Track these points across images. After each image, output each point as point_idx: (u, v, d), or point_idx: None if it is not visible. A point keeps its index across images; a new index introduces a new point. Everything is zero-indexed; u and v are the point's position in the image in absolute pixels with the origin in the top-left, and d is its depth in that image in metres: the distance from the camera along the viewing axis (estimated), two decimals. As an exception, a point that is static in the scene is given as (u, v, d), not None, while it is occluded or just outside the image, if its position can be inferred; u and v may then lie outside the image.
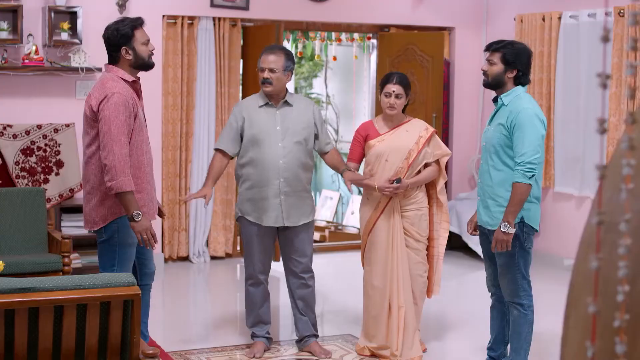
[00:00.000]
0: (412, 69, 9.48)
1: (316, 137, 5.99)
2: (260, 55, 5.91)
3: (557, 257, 9.10)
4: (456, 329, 7.03)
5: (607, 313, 1.79)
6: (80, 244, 7.90)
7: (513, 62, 5.26)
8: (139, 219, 5.10)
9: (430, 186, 6.08)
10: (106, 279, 3.75)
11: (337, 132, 14.12)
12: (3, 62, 7.83)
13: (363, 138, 5.96)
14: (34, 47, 7.90)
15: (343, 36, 9.99)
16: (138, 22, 5.43)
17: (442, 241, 6.18)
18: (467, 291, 8.48)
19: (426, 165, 5.97)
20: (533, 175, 5.13)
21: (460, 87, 9.97)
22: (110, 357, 3.82)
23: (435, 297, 7.98)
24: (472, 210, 9.25)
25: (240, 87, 9.21)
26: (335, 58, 10.71)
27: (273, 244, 6.12)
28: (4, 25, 7.80)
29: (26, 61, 7.90)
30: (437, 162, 6.04)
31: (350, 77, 13.89)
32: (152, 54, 5.39)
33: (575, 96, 8.72)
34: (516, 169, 5.12)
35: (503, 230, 5.12)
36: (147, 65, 5.38)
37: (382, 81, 5.94)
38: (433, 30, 9.79)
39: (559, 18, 8.84)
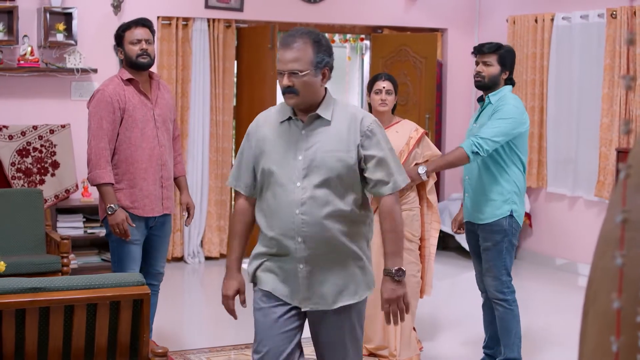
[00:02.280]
0: (405, 70, 9.52)
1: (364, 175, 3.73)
2: (278, 49, 3.71)
3: (549, 257, 9.16)
4: (450, 329, 7.07)
5: (628, 308, 1.82)
6: (75, 245, 7.90)
7: (507, 64, 5.42)
8: (112, 212, 5.26)
9: (420, 186, 5.94)
10: (116, 279, 3.79)
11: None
12: (-2, 63, 7.84)
13: None
14: (29, 48, 7.91)
15: (336, 37, 10.02)
16: (131, 23, 5.52)
17: (433, 241, 6.05)
18: (460, 291, 8.53)
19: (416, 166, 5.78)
20: (477, 152, 5.24)
21: (453, 88, 10.02)
22: (119, 356, 3.85)
23: (428, 297, 8.03)
24: (465, 210, 9.33)
25: (235, 89, 9.24)
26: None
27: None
28: (0, 26, 7.81)
29: (22, 62, 7.90)
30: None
31: (341, 78, 13.91)
32: (142, 53, 5.40)
33: (568, 97, 8.78)
34: (469, 139, 5.27)
35: (420, 172, 5.48)
36: (136, 65, 5.44)
37: (371, 81, 5.83)
38: (426, 32, 9.84)
39: (552, 19, 8.90)
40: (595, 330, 2.02)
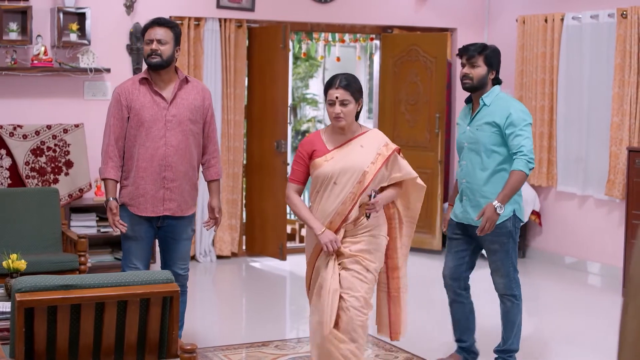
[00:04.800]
0: (416, 69, 9.56)
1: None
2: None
3: (558, 256, 9.20)
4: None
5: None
6: (88, 244, 7.92)
7: (493, 64, 5.44)
8: (106, 205, 5.50)
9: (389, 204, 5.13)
10: (145, 276, 3.83)
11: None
12: (12, 62, 7.87)
13: (308, 155, 4.93)
14: (42, 48, 7.95)
15: (347, 37, 10.06)
16: (149, 23, 5.59)
17: (405, 271, 5.25)
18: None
19: (382, 190, 4.98)
20: (533, 167, 5.31)
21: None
22: (148, 353, 3.89)
23: (438, 296, 8.09)
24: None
25: (246, 88, 9.28)
26: (339, 59, 10.77)
27: None
28: (14, 26, 7.85)
29: (35, 62, 7.94)
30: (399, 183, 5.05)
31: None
32: (151, 53, 5.44)
33: (578, 97, 8.82)
34: (519, 158, 5.25)
35: (498, 212, 5.25)
36: (147, 64, 5.53)
37: (325, 86, 4.95)
38: (435, 31, 9.88)
39: (562, 19, 8.94)
40: (635, 325, 2.06)
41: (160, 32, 5.46)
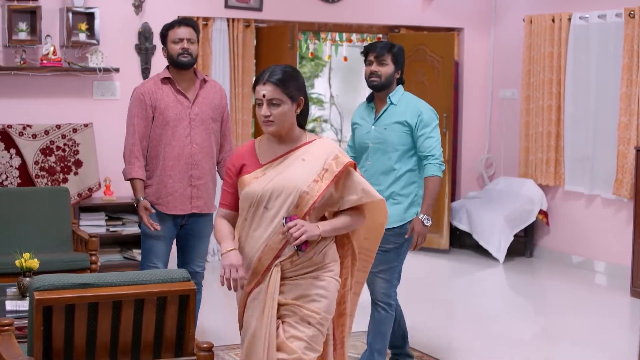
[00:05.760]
0: (423, 69, 9.58)
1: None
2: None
3: (565, 255, 9.21)
4: (467, 327, 7.12)
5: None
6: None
7: (400, 63, 5.33)
8: (136, 204, 5.51)
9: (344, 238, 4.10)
10: (162, 275, 3.85)
11: (340, 132, 14.23)
12: (22, 62, 7.89)
13: (237, 171, 3.94)
14: (52, 48, 7.97)
15: (354, 37, 10.08)
16: (174, 23, 5.63)
17: (352, 321, 4.25)
18: (478, 289, 8.58)
19: (335, 215, 3.98)
20: (444, 168, 5.26)
21: (469, 87, 10.08)
22: (165, 351, 3.91)
23: (445, 296, 8.12)
24: (481, 208, 9.40)
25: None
26: (346, 59, 10.81)
27: None
28: (23, 26, 7.87)
29: (44, 62, 7.96)
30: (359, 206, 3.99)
31: (352, 77, 14.01)
32: (183, 52, 5.49)
33: (586, 96, 8.83)
34: (431, 163, 5.19)
35: (426, 224, 5.17)
36: (177, 63, 5.54)
37: (254, 82, 3.92)
38: (442, 31, 9.90)
39: (569, 19, 8.95)
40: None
41: (187, 32, 5.53)
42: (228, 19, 8.90)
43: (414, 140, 5.26)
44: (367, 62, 5.32)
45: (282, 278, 3.80)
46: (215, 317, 7.06)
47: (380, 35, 9.96)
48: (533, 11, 9.43)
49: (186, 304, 3.88)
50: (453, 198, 9.96)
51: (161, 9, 8.46)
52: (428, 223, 5.17)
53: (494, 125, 10.13)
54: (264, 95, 3.75)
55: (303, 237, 3.67)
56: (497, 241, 9.19)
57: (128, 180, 5.56)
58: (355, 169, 3.91)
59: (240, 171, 3.89)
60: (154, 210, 5.49)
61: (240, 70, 8.97)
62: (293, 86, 3.78)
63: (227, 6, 8.88)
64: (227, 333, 6.64)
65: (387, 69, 5.24)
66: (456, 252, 9.70)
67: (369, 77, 5.29)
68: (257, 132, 9.39)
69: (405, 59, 9.62)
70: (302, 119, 3.90)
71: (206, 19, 8.80)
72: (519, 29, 9.60)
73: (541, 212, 9.31)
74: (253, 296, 3.85)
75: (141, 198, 5.46)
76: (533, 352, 6.49)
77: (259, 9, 9.01)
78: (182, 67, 5.53)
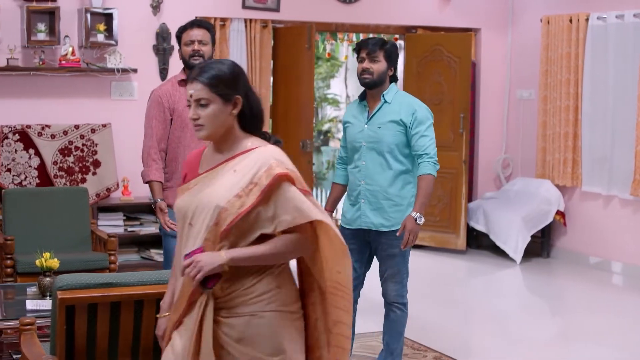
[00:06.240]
0: (440, 69, 9.58)
1: None
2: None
3: (583, 256, 9.20)
4: (484, 327, 7.12)
5: None
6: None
7: (392, 60, 5.23)
8: (153, 207, 5.53)
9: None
10: (184, 275, 3.86)
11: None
12: (40, 63, 7.93)
13: (183, 179, 3.48)
14: (70, 49, 8.01)
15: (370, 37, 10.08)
16: (187, 24, 5.62)
17: None
18: (495, 290, 8.57)
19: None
20: (438, 168, 5.17)
21: (487, 87, 10.07)
22: (186, 350, 3.92)
23: (462, 296, 8.12)
24: (498, 208, 9.39)
25: (271, 88, 9.32)
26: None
27: None
28: (42, 27, 7.91)
29: (63, 62, 8.00)
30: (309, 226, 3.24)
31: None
32: (194, 54, 5.46)
33: (603, 96, 8.81)
34: (425, 162, 5.11)
35: (419, 222, 5.07)
36: (189, 65, 5.52)
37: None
38: (459, 32, 9.89)
39: (587, 19, 8.94)
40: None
41: (200, 33, 5.51)
42: (245, 20, 8.92)
43: (408, 139, 5.19)
44: (359, 59, 5.23)
45: (217, 309, 3.15)
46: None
47: (397, 36, 9.97)
48: (550, 11, 9.42)
49: (207, 304, 3.89)
50: (470, 198, 9.95)
51: (179, 9, 8.48)
52: (421, 221, 5.09)
53: (511, 125, 10.12)
54: (191, 95, 3.23)
55: (199, 276, 3.06)
56: (514, 242, 9.18)
57: (146, 182, 5.56)
58: (293, 182, 3.17)
59: (184, 179, 3.42)
60: (167, 212, 5.46)
61: (258, 71, 8.99)
62: (225, 83, 3.21)
63: (244, 7, 8.91)
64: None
65: (379, 65, 5.14)
66: (473, 253, 9.69)
67: (360, 74, 5.21)
68: (274, 132, 9.40)
69: (422, 59, 9.72)
70: (248, 122, 3.27)
71: (224, 20, 8.82)
72: (537, 30, 9.59)
73: (558, 212, 9.29)
74: (182, 327, 3.22)
75: (159, 200, 5.46)
76: (550, 352, 6.48)
77: (276, 9, 9.04)
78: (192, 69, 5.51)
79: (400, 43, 10.11)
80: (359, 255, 5.32)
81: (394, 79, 5.28)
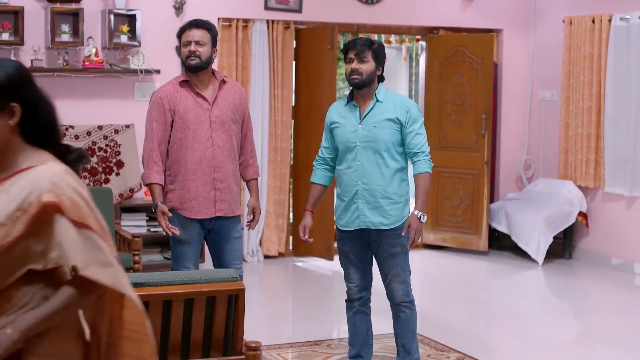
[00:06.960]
0: (462, 70, 9.57)
1: None
2: None
3: (605, 257, 9.17)
4: (506, 328, 7.10)
5: None
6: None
7: (380, 59, 5.22)
8: (154, 210, 5.47)
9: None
10: (212, 275, 3.90)
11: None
12: (64, 64, 7.98)
13: None
14: (94, 50, 8.06)
15: (392, 38, 10.10)
16: (186, 25, 5.58)
17: None
18: (517, 291, 8.55)
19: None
20: (432, 165, 5.22)
21: (509, 88, 10.06)
22: (214, 350, 3.95)
23: (484, 297, 8.12)
24: (520, 210, 9.37)
25: (293, 89, 9.34)
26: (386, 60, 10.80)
27: None
28: (65, 28, 7.96)
29: (86, 63, 8.06)
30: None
31: (390, 78, 14.00)
32: (190, 55, 5.43)
33: (626, 98, 8.79)
34: (421, 160, 5.14)
35: (422, 220, 5.10)
36: (186, 66, 5.50)
37: None
38: (481, 32, 9.88)
39: (609, 20, 8.92)
40: None
41: (197, 34, 5.46)
42: (268, 21, 8.95)
43: (402, 137, 5.20)
44: (347, 60, 5.20)
45: None
46: (255, 318, 7.10)
47: (419, 37, 9.97)
48: (573, 12, 9.40)
49: (235, 304, 3.92)
50: (492, 199, 9.94)
51: (201, 10, 8.50)
52: (424, 219, 5.12)
53: (533, 126, 10.11)
54: None
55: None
56: (536, 243, 9.16)
57: (146, 185, 5.52)
58: (63, 213, 2.56)
59: None
60: (171, 215, 5.43)
61: (280, 72, 9.02)
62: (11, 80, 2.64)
63: (266, 8, 8.94)
64: (268, 333, 6.69)
65: (368, 66, 5.12)
66: (495, 254, 9.68)
67: (349, 74, 5.17)
68: (296, 133, 9.43)
69: (444, 60, 9.72)
70: (34, 135, 2.68)
71: (246, 21, 8.85)
72: (559, 30, 9.57)
73: (580, 213, 9.27)
74: None
75: (159, 203, 5.40)
76: (571, 353, 6.46)
77: (299, 10, 9.06)
78: (191, 70, 5.46)
79: (422, 44, 10.12)
80: (360, 256, 5.34)
81: (381, 78, 5.28)
